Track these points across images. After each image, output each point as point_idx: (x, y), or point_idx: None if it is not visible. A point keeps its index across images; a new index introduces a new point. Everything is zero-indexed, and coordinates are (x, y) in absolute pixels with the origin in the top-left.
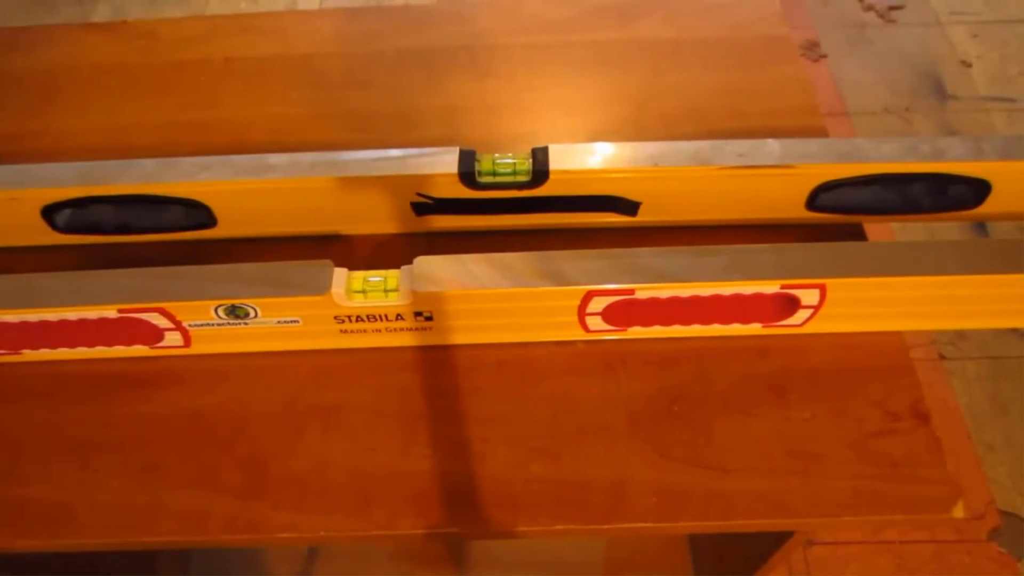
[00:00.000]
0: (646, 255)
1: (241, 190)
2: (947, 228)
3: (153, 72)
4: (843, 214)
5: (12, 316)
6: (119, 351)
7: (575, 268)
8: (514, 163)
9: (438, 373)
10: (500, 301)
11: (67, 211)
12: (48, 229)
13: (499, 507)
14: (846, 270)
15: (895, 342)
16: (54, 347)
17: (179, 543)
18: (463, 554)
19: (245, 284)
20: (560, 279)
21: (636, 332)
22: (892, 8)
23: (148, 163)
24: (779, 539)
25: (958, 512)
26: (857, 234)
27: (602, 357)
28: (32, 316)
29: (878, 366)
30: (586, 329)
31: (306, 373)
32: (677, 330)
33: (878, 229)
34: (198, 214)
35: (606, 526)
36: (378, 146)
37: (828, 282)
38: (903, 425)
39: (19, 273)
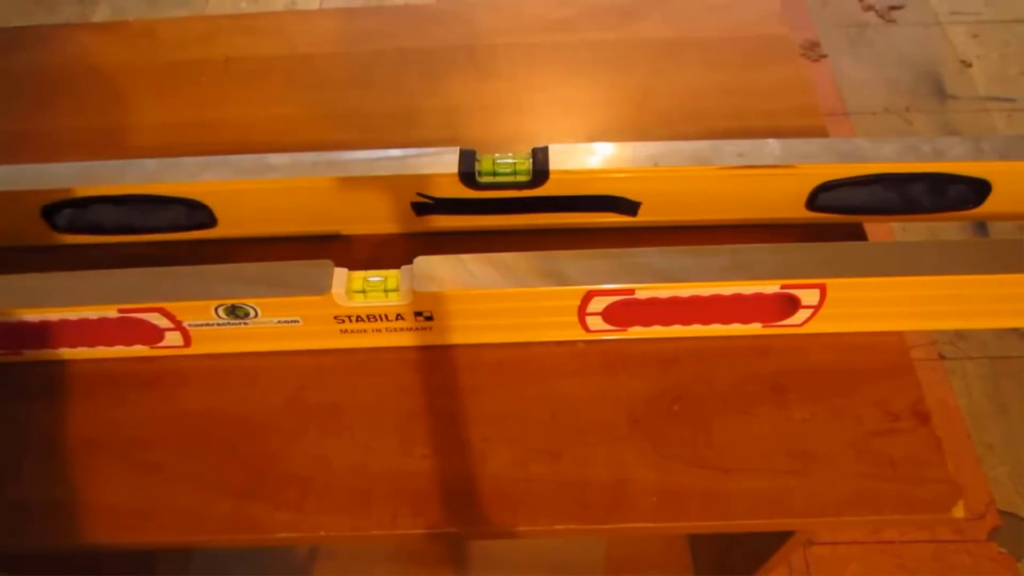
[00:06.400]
0: (646, 255)
1: (241, 190)
2: (947, 228)
3: (153, 72)
4: (843, 214)
5: (12, 316)
6: (119, 351)
7: (575, 268)
8: (514, 163)
9: (438, 373)
10: (500, 301)
11: (67, 211)
12: (48, 229)
13: (499, 507)
14: (846, 270)
15: (895, 342)
16: (54, 347)
17: (179, 543)
18: (463, 554)
19: (245, 284)
20: (560, 279)
21: (636, 332)
22: (892, 8)
23: (148, 163)
24: (779, 539)
25: (958, 512)
26: (857, 234)
27: (602, 357)
28: (32, 316)
29: (878, 366)
30: (586, 329)
31: (306, 373)
32: (677, 330)
33: (878, 229)
34: (198, 214)
35: (606, 526)
36: (378, 146)
37: (828, 282)
38: (903, 425)
39: (19, 273)
